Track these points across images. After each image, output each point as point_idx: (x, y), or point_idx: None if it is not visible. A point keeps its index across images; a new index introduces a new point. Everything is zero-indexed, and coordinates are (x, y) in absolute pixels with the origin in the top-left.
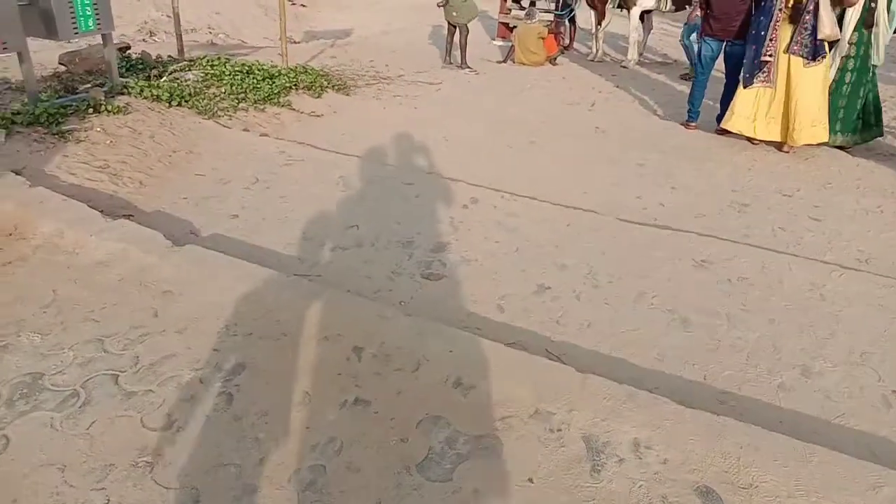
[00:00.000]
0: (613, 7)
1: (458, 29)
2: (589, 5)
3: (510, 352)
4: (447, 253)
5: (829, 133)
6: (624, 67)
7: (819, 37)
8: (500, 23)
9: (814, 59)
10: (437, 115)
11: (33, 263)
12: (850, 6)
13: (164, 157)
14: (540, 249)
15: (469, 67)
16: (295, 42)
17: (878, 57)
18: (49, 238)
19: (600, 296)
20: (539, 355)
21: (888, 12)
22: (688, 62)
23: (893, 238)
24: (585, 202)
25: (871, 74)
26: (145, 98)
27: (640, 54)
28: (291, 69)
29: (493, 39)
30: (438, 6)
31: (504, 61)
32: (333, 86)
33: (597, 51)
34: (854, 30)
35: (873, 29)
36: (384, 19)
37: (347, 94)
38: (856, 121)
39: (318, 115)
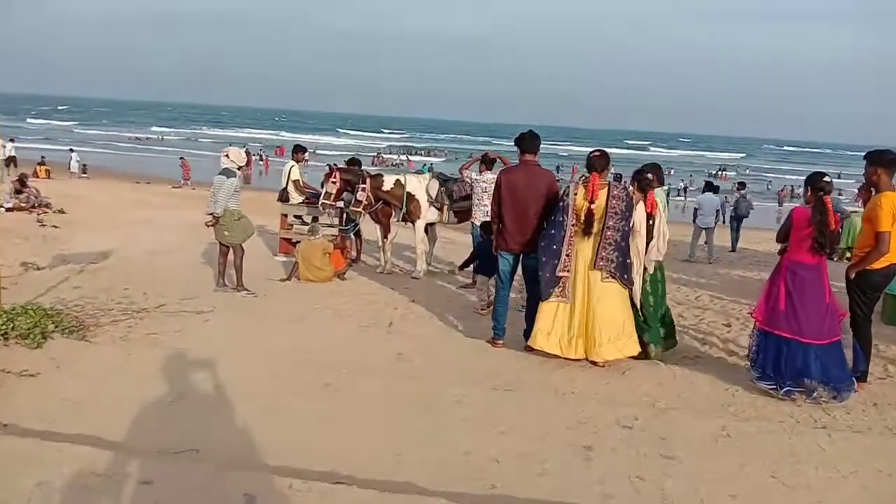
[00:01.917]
0: (398, 220)
1: (231, 249)
2: (374, 220)
3: None
4: None
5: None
6: (415, 278)
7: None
8: (281, 238)
9: (623, 277)
10: (203, 356)
11: None
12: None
13: None
14: None
15: (246, 289)
16: (38, 269)
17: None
18: None
19: None
20: None
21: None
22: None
23: (756, 471)
24: (404, 470)
25: (659, 285)
26: None
27: (429, 264)
28: (4, 311)
29: (276, 255)
30: (207, 225)
31: (288, 279)
32: (63, 329)
33: (385, 262)
34: None
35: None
36: (152, 238)
37: (83, 339)
38: (659, 330)
39: (31, 375)
